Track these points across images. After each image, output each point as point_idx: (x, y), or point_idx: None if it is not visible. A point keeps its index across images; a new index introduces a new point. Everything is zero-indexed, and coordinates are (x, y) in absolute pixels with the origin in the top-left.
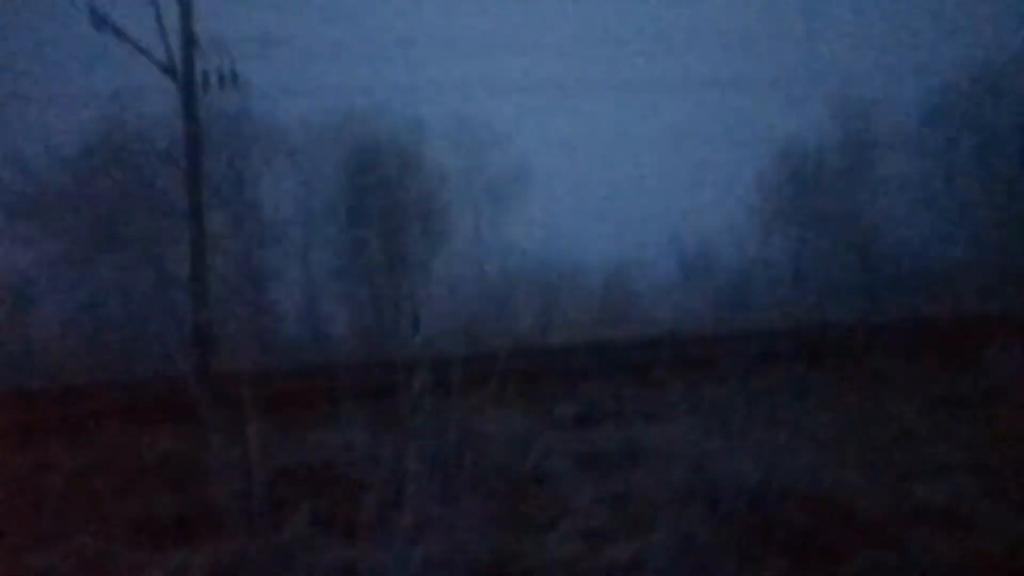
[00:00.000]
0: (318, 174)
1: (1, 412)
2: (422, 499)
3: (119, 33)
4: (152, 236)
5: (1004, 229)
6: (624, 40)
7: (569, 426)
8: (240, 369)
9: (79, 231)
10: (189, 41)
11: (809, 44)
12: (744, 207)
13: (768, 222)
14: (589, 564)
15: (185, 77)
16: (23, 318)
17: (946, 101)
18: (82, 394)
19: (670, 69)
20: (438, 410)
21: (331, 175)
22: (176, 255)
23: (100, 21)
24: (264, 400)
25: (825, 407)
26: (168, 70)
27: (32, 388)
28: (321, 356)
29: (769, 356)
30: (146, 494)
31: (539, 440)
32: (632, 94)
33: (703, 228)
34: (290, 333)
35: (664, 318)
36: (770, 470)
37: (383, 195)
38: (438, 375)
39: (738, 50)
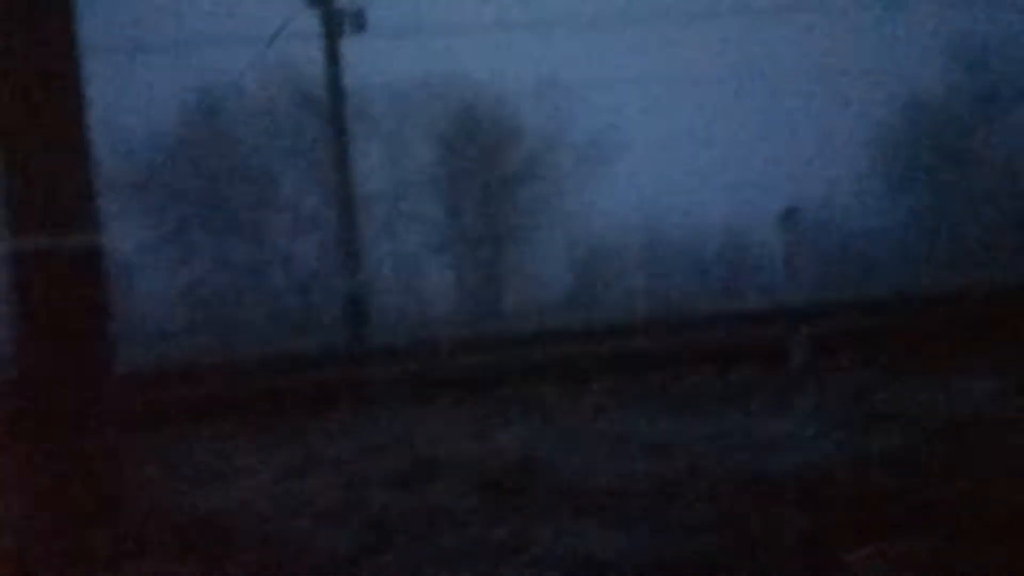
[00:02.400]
0: (412, 140)
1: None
2: None
3: None
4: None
5: None
6: None
7: None
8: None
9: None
10: None
11: None
12: (866, 165)
13: (892, 181)
14: None
15: (327, 13)
16: (148, 291)
17: None
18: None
19: (783, 19)
20: None
21: (426, 141)
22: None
23: None
24: None
25: None
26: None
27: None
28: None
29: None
30: None
31: None
32: (739, 42)
33: (821, 190)
34: (396, 306)
35: (784, 287)
36: None
37: (482, 161)
38: None
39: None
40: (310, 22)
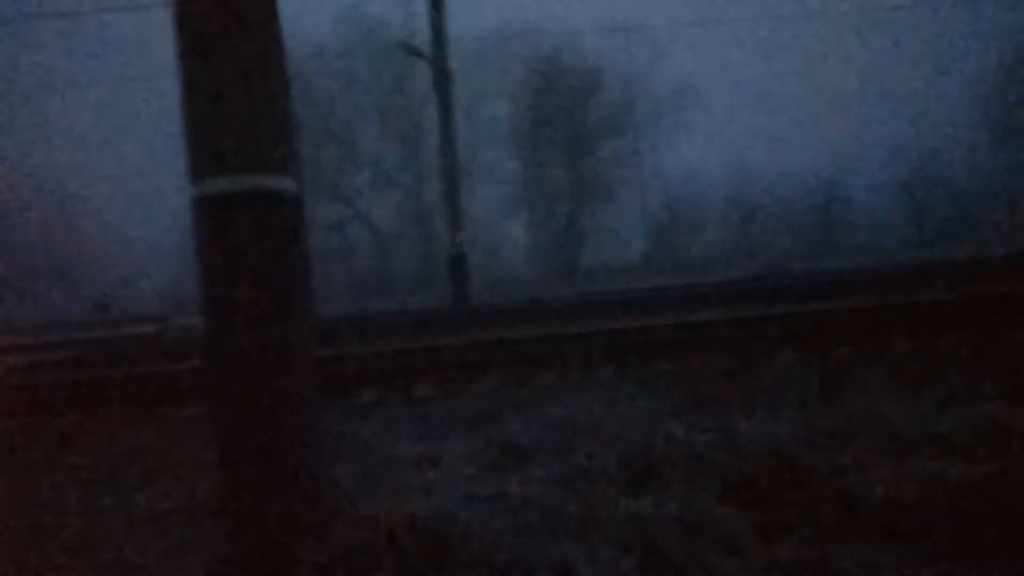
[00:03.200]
0: (490, 93)
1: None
2: None
3: None
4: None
5: None
6: None
7: None
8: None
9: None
10: None
11: None
12: (970, 119)
13: (996, 134)
14: None
15: None
16: None
17: None
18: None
19: None
20: None
21: (507, 95)
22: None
23: None
24: None
25: None
26: None
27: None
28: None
29: None
30: None
31: None
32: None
33: (924, 144)
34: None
35: (892, 246)
36: None
37: (565, 116)
38: None
39: None
40: None
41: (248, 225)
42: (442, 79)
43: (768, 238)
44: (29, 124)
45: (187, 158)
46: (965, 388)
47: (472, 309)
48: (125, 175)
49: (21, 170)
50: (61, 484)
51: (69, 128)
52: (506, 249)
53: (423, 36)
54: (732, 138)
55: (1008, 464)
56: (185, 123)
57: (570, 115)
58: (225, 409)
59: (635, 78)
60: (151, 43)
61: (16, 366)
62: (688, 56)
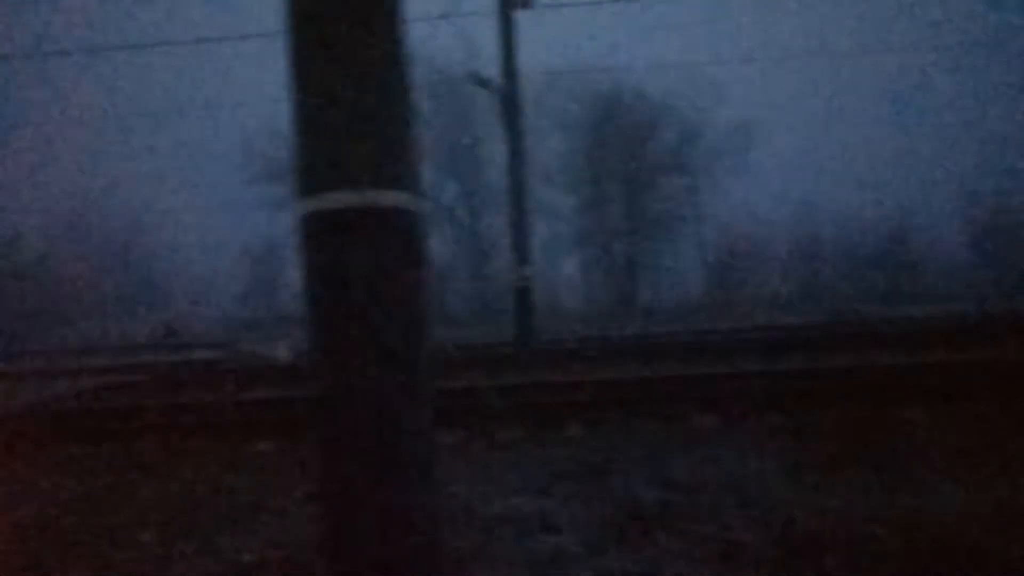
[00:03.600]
0: (549, 130)
1: None
2: None
3: None
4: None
5: None
6: None
7: None
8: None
9: None
10: None
11: None
12: None
13: None
14: None
15: None
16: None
17: None
18: None
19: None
20: None
21: (566, 131)
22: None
23: None
24: None
25: None
26: None
27: None
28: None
29: None
30: None
31: None
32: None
33: (998, 186)
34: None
35: (961, 294)
36: None
37: (624, 153)
38: None
39: None
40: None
41: (364, 244)
42: (511, 111)
43: (831, 281)
44: (107, 152)
45: (297, 170)
46: None
47: (541, 346)
48: (197, 203)
49: (96, 195)
50: (134, 523)
51: (143, 157)
52: (559, 285)
53: (484, 71)
54: (795, 177)
55: None
56: (297, 131)
57: (630, 152)
58: (335, 447)
59: (696, 116)
60: (219, 75)
61: (86, 389)
62: (751, 93)
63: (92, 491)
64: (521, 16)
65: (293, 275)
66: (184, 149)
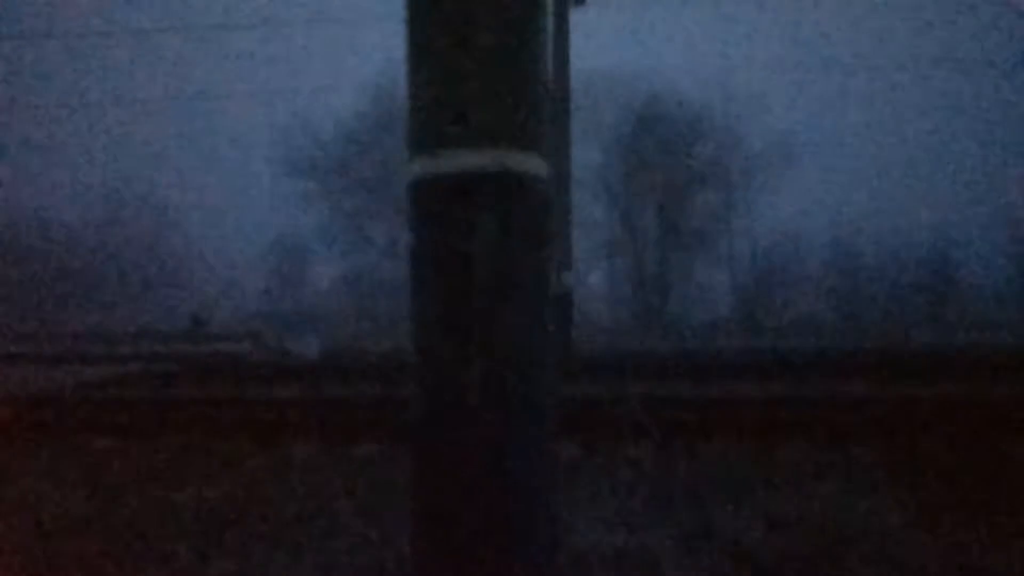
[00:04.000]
0: (583, 137)
1: None
2: None
3: None
4: None
5: None
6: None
7: None
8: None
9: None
10: None
11: None
12: None
13: None
14: None
15: None
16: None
17: None
18: None
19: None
20: None
21: (600, 137)
22: None
23: None
24: None
25: None
26: None
27: None
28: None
29: None
30: None
31: None
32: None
33: None
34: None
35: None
36: None
37: (659, 163)
38: None
39: None
40: None
41: (489, 217)
42: (559, 111)
43: (868, 304)
44: (135, 140)
45: (410, 125)
46: None
47: (585, 357)
48: (225, 192)
49: (127, 184)
50: (170, 534)
51: (172, 144)
52: (582, 296)
53: None
54: (834, 195)
55: None
56: (412, 75)
57: (665, 163)
58: (435, 460)
59: (734, 129)
60: (245, 64)
61: (112, 378)
62: (790, 107)
63: (119, 494)
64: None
65: (317, 271)
66: (216, 137)
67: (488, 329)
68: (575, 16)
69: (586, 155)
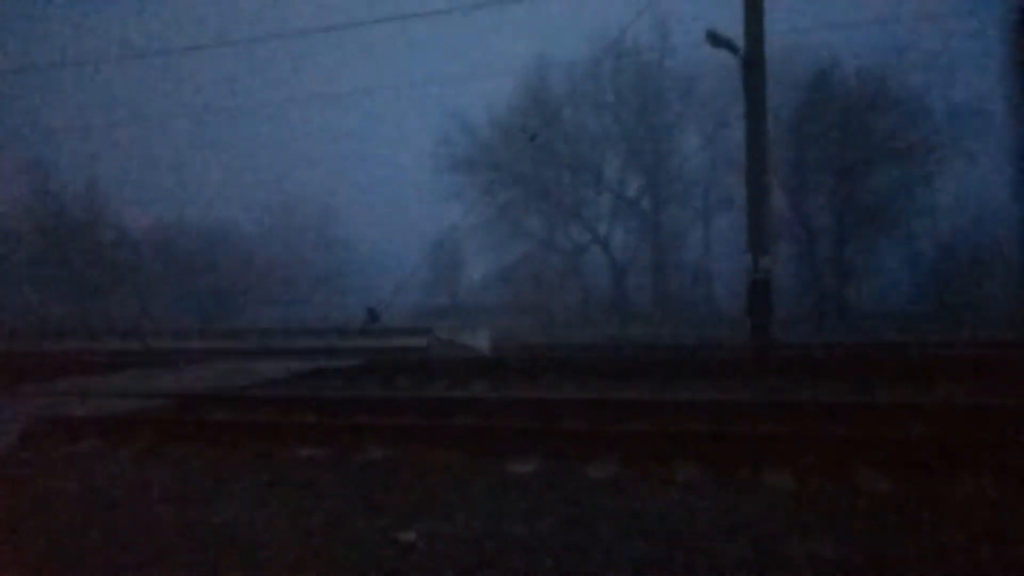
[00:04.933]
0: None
1: None
2: None
3: None
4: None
5: None
6: None
7: None
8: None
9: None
10: None
11: None
12: None
13: None
14: None
15: None
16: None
17: None
18: None
19: None
20: None
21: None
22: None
23: None
24: None
25: None
26: None
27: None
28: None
29: None
30: None
31: None
32: None
33: None
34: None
35: None
36: None
37: (834, 138)
38: None
39: None
40: None
41: None
42: (754, 77)
43: None
44: (301, 135)
45: None
46: None
47: (794, 353)
48: (380, 187)
49: (288, 184)
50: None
51: (328, 143)
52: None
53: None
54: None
55: None
56: None
57: (841, 139)
58: None
59: (916, 100)
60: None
61: (296, 373)
62: (976, 77)
63: (325, 519)
64: None
65: (473, 266)
66: (375, 132)
67: None
68: None
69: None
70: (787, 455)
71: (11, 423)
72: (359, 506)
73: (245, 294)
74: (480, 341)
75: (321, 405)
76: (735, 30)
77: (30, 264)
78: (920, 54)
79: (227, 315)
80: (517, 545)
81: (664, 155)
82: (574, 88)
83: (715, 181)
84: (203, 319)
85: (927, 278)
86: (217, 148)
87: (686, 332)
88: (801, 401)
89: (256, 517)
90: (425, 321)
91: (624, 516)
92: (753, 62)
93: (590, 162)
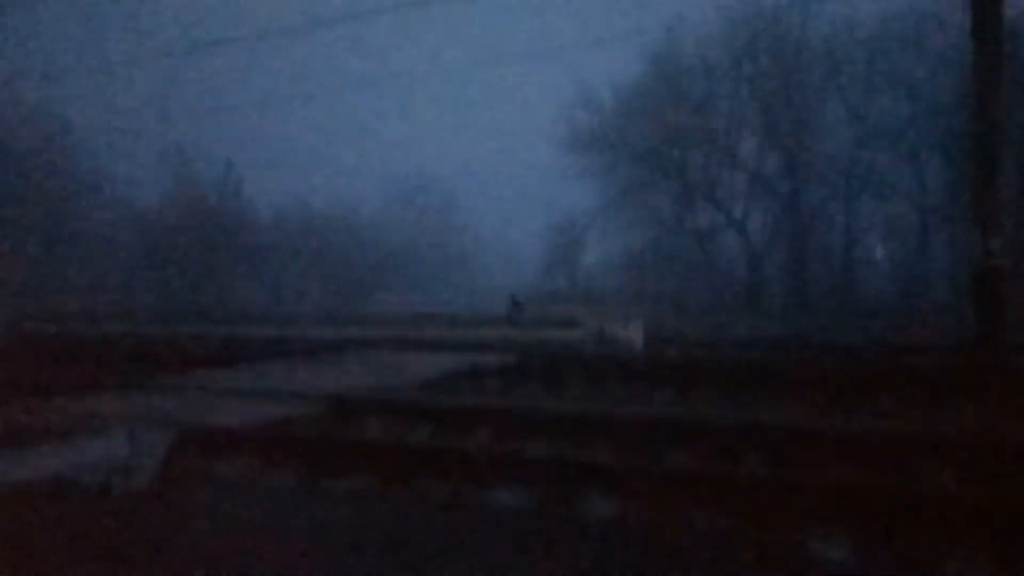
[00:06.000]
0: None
1: None
2: None
3: None
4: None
5: None
6: None
7: None
8: None
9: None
10: None
11: None
12: None
13: None
14: None
15: None
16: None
17: None
18: None
19: None
20: None
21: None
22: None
23: None
24: None
25: None
26: None
27: None
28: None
29: None
30: None
31: None
32: None
33: None
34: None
35: None
36: None
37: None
38: None
39: None
40: None
41: None
42: (989, 50)
43: None
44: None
45: None
46: None
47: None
48: (502, 164)
49: (410, 165)
50: None
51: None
52: (877, 274)
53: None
54: None
55: None
56: None
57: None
58: None
59: None
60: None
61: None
62: None
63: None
64: None
65: (594, 248)
66: (496, 107)
67: None
68: None
69: (888, 107)
70: None
71: (154, 435)
72: None
73: (373, 279)
74: (633, 335)
75: (507, 421)
76: None
77: (173, 250)
78: None
79: (355, 301)
80: None
81: (805, 130)
82: (706, 58)
83: (859, 159)
84: (333, 304)
85: None
86: (345, 129)
87: (851, 326)
88: None
89: None
90: (542, 305)
91: None
92: (986, 30)
93: (723, 138)
